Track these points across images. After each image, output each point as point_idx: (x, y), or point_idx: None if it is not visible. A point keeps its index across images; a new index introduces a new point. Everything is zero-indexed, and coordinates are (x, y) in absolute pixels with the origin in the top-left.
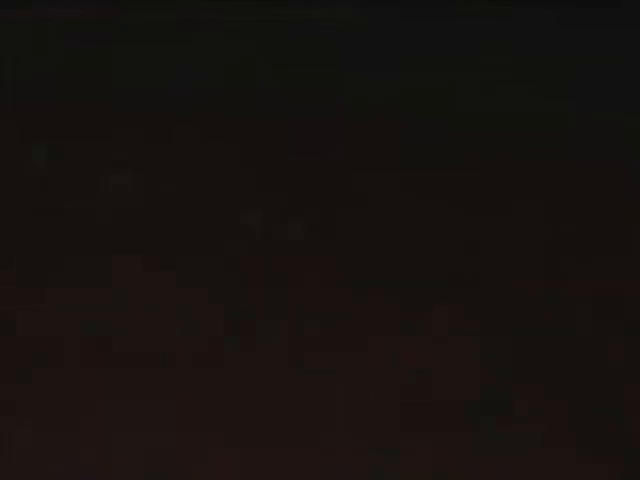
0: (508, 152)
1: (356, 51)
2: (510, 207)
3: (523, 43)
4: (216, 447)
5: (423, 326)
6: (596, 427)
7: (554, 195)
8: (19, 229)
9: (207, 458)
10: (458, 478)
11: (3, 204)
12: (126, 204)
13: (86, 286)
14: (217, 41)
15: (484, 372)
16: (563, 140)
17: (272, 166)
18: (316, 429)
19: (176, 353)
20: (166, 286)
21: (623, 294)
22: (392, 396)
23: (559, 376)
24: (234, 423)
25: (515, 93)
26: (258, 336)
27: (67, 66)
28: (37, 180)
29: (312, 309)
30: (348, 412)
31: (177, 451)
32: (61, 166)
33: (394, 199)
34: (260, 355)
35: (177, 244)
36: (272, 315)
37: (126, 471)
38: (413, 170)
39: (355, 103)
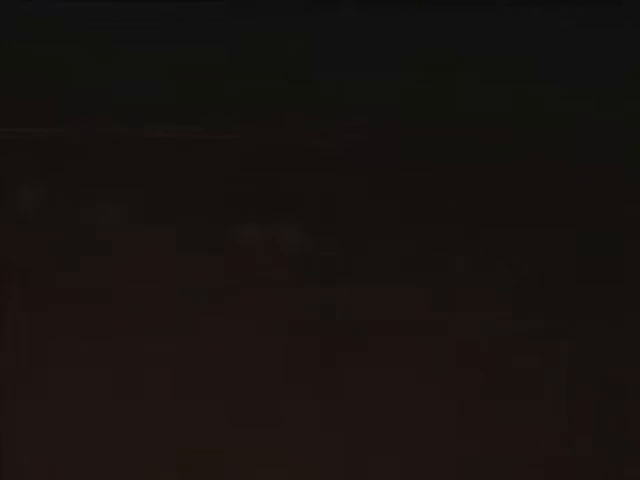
0: (508, 152)
1: (356, 51)
2: (510, 207)
3: (523, 43)
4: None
5: (422, 322)
6: None
7: (554, 195)
8: (19, 229)
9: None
10: None
11: (4, 204)
12: (125, 206)
13: (87, 286)
14: (217, 41)
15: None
16: (563, 140)
17: (274, 169)
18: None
19: (176, 355)
20: (167, 288)
21: (623, 295)
22: None
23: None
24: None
25: (515, 93)
26: (257, 336)
27: (67, 65)
28: (37, 182)
29: (313, 311)
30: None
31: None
32: (61, 167)
33: (394, 199)
34: (259, 355)
35: (177, 245)
36: (271, 316)
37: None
38: (413, 170)
39: (355, 103)
